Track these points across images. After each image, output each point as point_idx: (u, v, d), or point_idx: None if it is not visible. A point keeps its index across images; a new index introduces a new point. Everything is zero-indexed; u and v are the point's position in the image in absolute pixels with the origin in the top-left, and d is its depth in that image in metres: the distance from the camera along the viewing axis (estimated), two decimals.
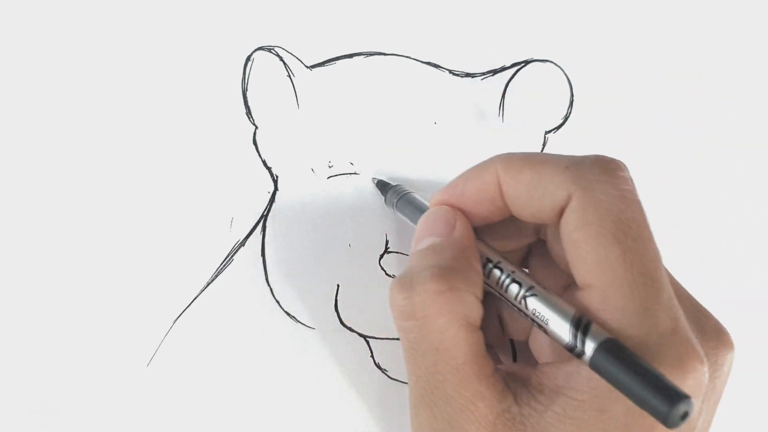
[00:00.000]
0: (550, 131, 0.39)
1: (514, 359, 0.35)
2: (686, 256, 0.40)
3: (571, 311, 0.28)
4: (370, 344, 0.37)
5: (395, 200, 0.35)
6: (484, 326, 0.32)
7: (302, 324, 0.36)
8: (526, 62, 0.39)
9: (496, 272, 0.30)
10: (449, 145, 0.38)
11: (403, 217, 0.35)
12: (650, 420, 0.25)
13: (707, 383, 0.28)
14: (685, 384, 0.27)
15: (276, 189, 0.36)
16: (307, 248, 0.36)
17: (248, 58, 0.36)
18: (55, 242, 0.34)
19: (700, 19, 0.41)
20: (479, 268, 0.30)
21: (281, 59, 0.36)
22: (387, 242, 0.37)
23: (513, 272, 0.30)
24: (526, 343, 0.33)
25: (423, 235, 0.31)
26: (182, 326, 0.35)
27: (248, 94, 0.36)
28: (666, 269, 0.30)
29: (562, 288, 0.31)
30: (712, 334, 0.30)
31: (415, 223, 0.33)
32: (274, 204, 0.36)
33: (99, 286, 0.34)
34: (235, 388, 0.36)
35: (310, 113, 0.37)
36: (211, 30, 0.36)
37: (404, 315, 0.29)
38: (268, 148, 0.36)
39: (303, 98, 0.37)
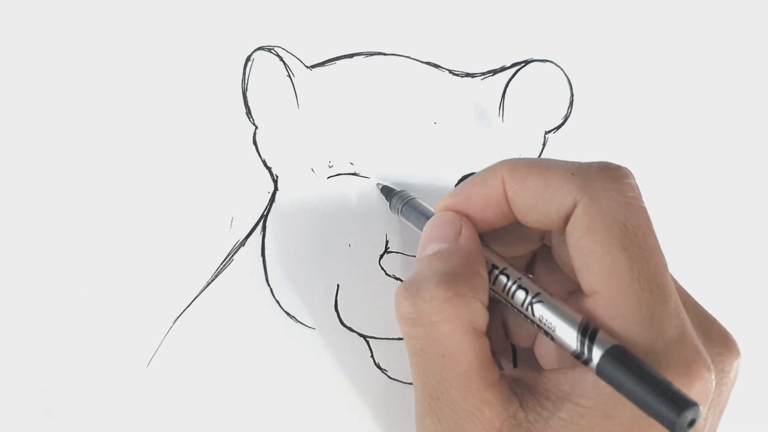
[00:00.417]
0: (550, 131, 0.39)
1: (515, 365, 0.35)
2: (687, 259, 0.40)
3: (578, 318, 0.28)
4: (370, 344, 0.37)
5: (400, 206, 0.35)
6: (488, 332, 0.32)
7: (302, 324, 0.36)
8: (526, 62, 0.39)
9: (503, 279, 0.30)
10: (449, 145, 0.38)
11: (408, 223, 0.35)
12: (657, 426, 0.25)
13: (714, 390, 0.28)
14: (692, 391, 0.27)
15: (276, 189, 0.36)
16: (307, 248, 0.36)
17: (248, 58, 0.36)
18: (56, 242, 0.34)
19: (701, 19, 0.41)
20: (485, 274, 0.30)
21: (281, 59, 0.36)
22: (387, 242, 0.37)
23: (519, 279, 0.30)
24: (530, 350, 0.33)
25: (429, 240, 0.31)
26: (182, 326, 0.35)
27: (248, 94, 0.36)
28: (673, 278, 0.30)
29: (568, 294, 0.31)
30: (718, 341, 0.30)
31: (420, 228, 0.33)
32: (274, 204, 0.36)
33: (99, 286, 0.34)
34: (235, 388, 0.36)
35: (310, 113, 0.37)
36: (211, 30, 0.36)
37: (410, 322, 0.29)
38: (268, 148, 0.36)
39: (303, 98, 0.37)
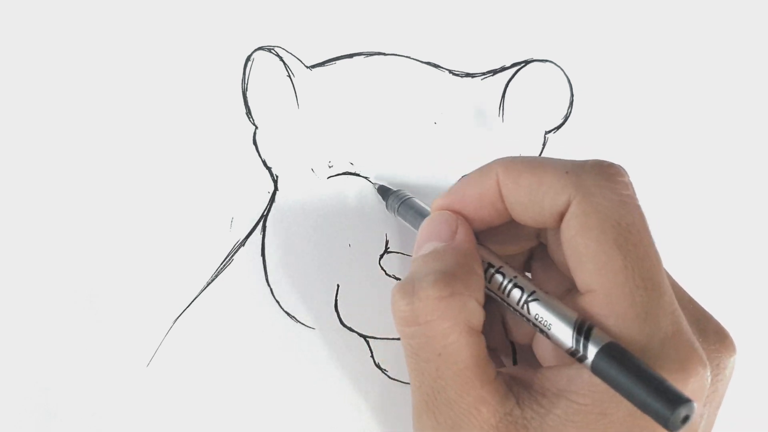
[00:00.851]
0: (550, 131, 0.39)
1: (515, 362, 0.35)
2: (686, 258, 0.40)
3: (574, 316, 0.28)
4: (370, 344, 0.37)
5: (396, 205, 0.35)
6: (488, 330, 0.32)
7: (302, 324, 0.36)
8: (526, 62, 0.39)
9: (498, 277, 0.30)
10: (449, 145, 0.38)
11: (405, 222, 0.35)
12: (652, 423, 0.25)
13: (709, 386, 0.28)
14: (687, 387, 0.27)
15: (276, 189, 0.36)
16: (307, 248, 0.36)
17: (248, 58, 0.36)
18: (56, 242, 0.34)
19: (701, 19, 0.41)
20: (481, 273, 0.30)
21: (281, 59, 0.36)
22: (387, 242, 0.37)
23: (515, 277, 0.30)
24: (529, 347, 0.33)
25: (425, 240, 0.32)
26: (182, 326, 0.35)
27: (248, 94, 0.36)
28: (668, 274, 0.30)
29: (564, 292, 0.31)
30: (714, 337, 0.30)
31: (417, 228, 0.33)
32: (274, 204, 0.36)
33: (99, 286, 0.34)
34: (235, 388, 0.36)
35: (310, 113, 0.37)
36: (211, 30, 0.36)
37: (407, 321, 0.29)
38: (268, 148, 0.36)
39: (303, 98, 0.37)
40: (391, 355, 0.37)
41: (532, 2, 0.39)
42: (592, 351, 0.27)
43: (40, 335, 0.34)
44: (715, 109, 0.41)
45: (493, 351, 0.34)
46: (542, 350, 0.32)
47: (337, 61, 0.37)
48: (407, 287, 0.30)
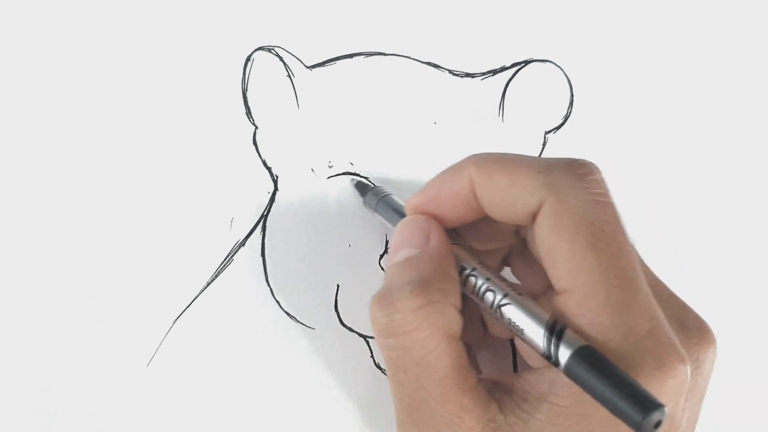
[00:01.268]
0: (550, 131, 0.39)
1: (514, 359, 0.35)
2: (683, 256, 0.40)
3: (546, 318, 0.28)
4: (370, 344, 0.37)
5: (374, 202, 0.35)
6: (467, 327, 0.32)
7: (302, 324, 0.36)
8: (526, 62, 0.39)
9: (472, 280, 0.30)
10: (449, 145, 0.38)
11: (383, 221, 0.34)
12: None
13: (690, 381, 0.28)
14: (666, 385, 0.26)
15: (276, 189, 0.36)
16: (307, 248, 0.36)
17: (248, 58, 0.36)
18: (56, 242, 0.34)
19: (701, 19, 0.41)
20: (456, 277, 0.30)
21: (281, 59, 0.36)
22: (387, 242, 0.37)
23: (488, 279, 0.30)
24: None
25: (398, 246, 0.31)
26: (182, 326, 0.35)
27: (248, 94, 0.36)
28: (647, 268, 0.30)
29: (545, 287, 0.30)
30: (694, 331, 0.29)
31: (394, 225, 0.33)
32: (274, 204, 0.36)
33: (99, 286, 0.34)
34: (235, 388, 0.36)
35: (310, 113, 0.37)
36: (211, 30, 0.36)
37: (386, 332, 0.29)
38: (268, 148, 0.36)
39: (303, 98, 0.37)
40: None
41: (532, 2, 0.39)
42: (564, 354, 0.26)
43: (40, 335, 0.34)
44: (714, 109, 0.41)
45: (471, 355, 0.34)
46: (526, 349, 0.32)
47: (337, 61, 0.37)
48: (385, 299, 0.29)
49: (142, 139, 0.35)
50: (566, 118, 0.39)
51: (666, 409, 0.24)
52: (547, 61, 0.39)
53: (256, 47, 0.36)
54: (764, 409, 0.41)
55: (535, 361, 0.31)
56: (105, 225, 0.35)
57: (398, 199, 0.34)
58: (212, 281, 0.35)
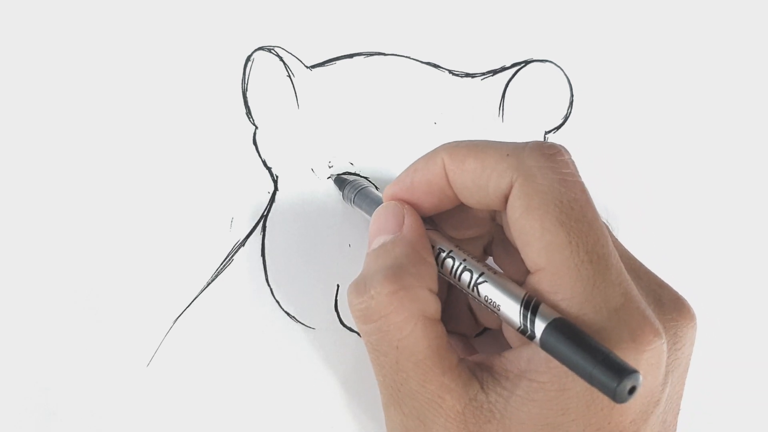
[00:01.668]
0: (550, 131, 0.39)
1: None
2: (683, 253, 0.40)
3: (521, 294, 0.28)
4: None
5: (352, 196, 0.35)
6: (457, 318, 0.32)
7: (302, 324, 0.36)
8: (526, 62, 0.39)
9: (449, 261, 0.30)
10: None
11: (362, 213, 0.35)
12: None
13: (668, 355, 0.28)
14: (642, 358, 0.27)
15: (276, 189, 0.36)
16: (307, 248, 0.36)
17: (248, 58, 0.36)
18: (56, 242, 0.34)
19: (701, 19, 0.41)
20: (432, 261, 0.31)
21: (281, 59, 0.36)
22: None
23: (464, 260, 0.30)
24: (500, 331, 0.33)
25: (375, 234, 0.32)
26: (182, 326, 0.35)
27: (248, 94, 0.36)
28: (622, 246, 0.30)
29: (526, 272, 0.31)
30: (670, 306, 0.30)
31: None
32: (274, 204, 0.36)
33: (99, 286, 0.34)
34: (235, 388, 0.36)
35: (310, 113, 0.37)
36: (211, 30, 0.36)
37: (362, 318, 0.30)
38: (268, 148, 0.36)
39: (303, 98, 0.37)
40: None
41: (532, 2, 0.39)
42: (539, 327, 0.27)
43: (40, 335, 0.34)
44: (714, 108, 0.41)
45: (462, 338, 0.35)
46: (510, 333, 0.32)
47: (337, 61, 0.37)
48: (360, 285, 0.30)
49: (142, 139, 0.35)
50: (566, 118, 0.39)
51: (639, 375, 0.24)
52: (547, 61, 0.39)
53: (256, 47, 0.36)
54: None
55: (515, 341, 0.31)
56: (105, 225, 0.35)
57: (375, 190, 0.35)
58: (212, 281, 0.35)
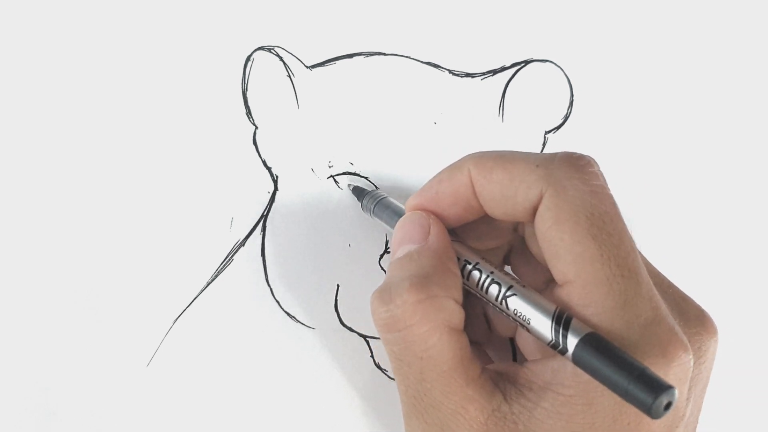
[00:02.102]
0: (550, 131, 0.39)
1: (514, 357, 0.35)
2: (685, 253, 0.40)
3: (552, 308, 0.28)
4: (370, 344, 0.37)
5: (372, 206, 0.35)
6: (472, 325, 0.32)
7: (302, 324, 0.36)
8: (526, 62, 0.39)
9: (476, 274, 0.30)
10: (449, 145, 0.38)
11: (382, 223, 0.35)
12: (638, 411, 0.25)
13: (693, 369, 0.28)
14: (670, 373, 0.27)
15: (276, 189, 0.36)
16: (307, 248, 0.36)
17: (248, 58, 0.36)
18: (56, 242, 0.34)
19: (701, 19, 0.41)
20: (457, 271, 0.30)
21: (281, 59, 0.36)
22: (387, 242, 0.37)
23: (492, 272, 0.30)
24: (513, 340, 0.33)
25: (399, 243, 0.32)
26: (182, 326, 0.35)
27: (248, 94, 0.36)
28: (645, 259, 0.30)
29: (545, 283, 0.31)
30: (695, 321, 0.30)
31: (392, 227, 0.33)
32: (274, 204, 0.36)
33: (99, 286, 0.34)
34: (235, 388, 0.36)
35: (310, 113, 0.37)
36: (211, 30, 0.36)
37: (387, 327, 0.30)
38: (268, 148, 0.36)
39: (303, 98, 0.37)
40: None
41: (532, 2, 0.39)
42: (571, 342, 0.27)
43: (40, 335, 0.34)
44: (714, 108, 0.41)
45: (479, 347, 0.34)
46: (526, 344, 0.32)
47: (337, 61, 0.37)
48: (384, 294, 0.30)
49: (142, 139, 0.35)
50: (566, 118, 0.39)
51: (675, 390, 0.24)
52: (547, 61, 0.39)
53: (256, 47, 0.36)
54: (766, 401, 0.41)
55: (533, 353, 0.31)
56: (105, 225, 0.35)
57: (395, 201, 0.34)
58: (212, 281, 0.35)
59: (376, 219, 0.35)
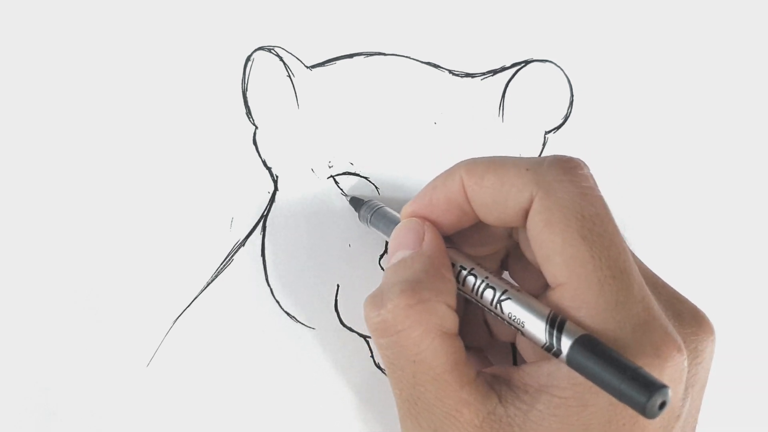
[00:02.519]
0: (550, 131, 0.39)
1: (515, 362, 0.35)
2: (683, 254, 0.40)
3: (546, 311, 0.28)
4: (370, 344, 0.37)
5: (369, 216, 0.35)
6: (473, 331, 0.32)
7: (302, 324, 0.36)
8: (526, 62, 0.39)
9: (470, 279, 0.31)
10: (449, 145, 0.38)
11: (379, 233, 0.35)
12: (632, 412, 0.25)
13: (688, 370, 0.28)
14: (664, 373, 0.27)
15: (276, 189, 0.36)
16: (307, 248, 0.36)
17: (248, 58, 0.36)
18: (56, 242, 0.34)
19: (701, 19, 0.41)
20: (451, 276, 0.31)
21: (281, 59, 0.36)
22: (387, 243, 0.37)
23: (486, 277, 0.30)
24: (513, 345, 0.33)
25: (395, 249, 0.32)
26: (182, 326, 0.35)
27: (248, 94, 0.36)
28: (638, 260, 0.30)
29: (542, 288, 0.31)
30: (690, 321, 0.30)
31: (389, 237, 0.33)
32: (274, 204, 0.36)
33: (99, 286, 0.34)
34: (235, 388, 0.36)
35: (310, 113, 0.37)
36: (211, 30, 0.36)
37: (379, 332, 0.30)
38: (268, 148, 0.36)
39: (303, 98, 0.37)
40: None
41: (532, 2, 0.39)
42: (565, 344, 0.27)
43: (40, 335, 0.34)
44: (714, 108, 0.41)
45: (479, 352, 0.35)
46: (524, 347, 0.32)
47: (337, 61, 0.37)
48: (377, 299, 0.30)
49: (142, 139, 0.35)
50: (566, 118, 0.39)
51: (668, 390, 0.24)
52: (547, 61, 0.39)
53: (256, 47, 0.36)
54: (765, 400, 0.41)
55: (531, 356, 0.31)
56: (105, 225, 0.35)
57: (391, 210, 0.35)
58: (212, 281, 0.35)
59: (373, 229, 0.35)
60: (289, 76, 0.36)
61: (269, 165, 0.36)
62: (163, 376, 0.35)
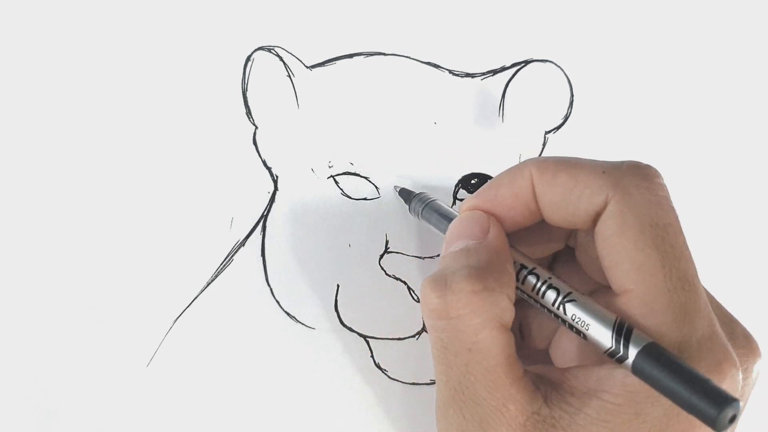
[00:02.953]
0: (550, 131, 0.39)
1: None
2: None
3: (612, 317, 0.28)
4: (370, 344, 0.37)
5: (420, 208, 0.35)
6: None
7: (302, 324, 0.36)
8: (526, 62, 0.39)
9: (532, 278, 0.30)
10: (449, 145, 0.38)
11: (429, 225, 0.34)
12: (686, 423, 0.25)
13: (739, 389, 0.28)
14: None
15: (276, 189, 0.36)
16: (307, 248, 0.36)
17: (248, 58, 0.36)
18: (56, 242, 0.34)
19: (701, 18, 0.41)
20: (513, 272, 0.30)
21: (281, 59, 0.36)
22: (387, 242, 0.37)
23: (549, 278, 0.30)
24: (544, 352, 0.33)
25: (455, 238, 0.31)
26: (182, 326, 0.35)
27: (248, 94, 0.36)
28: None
29: (589, 294, 0.31)
30: (742, 341, 0.30)
31: (441, 230, 0.33)
32: (274, 204, 0.36)
33: (99, 286, 0.34)
34: (235, 388, 0.36)
35: (310, 113, 0.37)
36: (211, 30, 0.36)
37: (438, 314, 0.29)
38: (268, 148, 0.36)
39: (303, 98, 0.37)
40: (391, 355, 0.37)
41: (532, 2, 0.39)
42: (632, 352, 0.27)
43: (40, 335, 0.34)
44: (714, 108, 0.41)
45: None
46: (562, 352, 0.31)
47: (337, 61, 0.37)
48: (439, 281, 0.29)
49: (142, 139, 0.35)
50: (566, 118, 0.39)
51: (740, 403, 0.24)
52: (547, 61, 0.39)
53: (256, 47, 0.36)
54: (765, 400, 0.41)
55: (568, 362, 0.31)
56: (105, 225, 0.35)
57: (444, 204, 0.35)
58: (212, 281, 0.35)
59: (423, 222, 0.35)
60: (289, 76, 0.36)
61: (269, 165, 0.36)
62: (163, 376, 0.35)
